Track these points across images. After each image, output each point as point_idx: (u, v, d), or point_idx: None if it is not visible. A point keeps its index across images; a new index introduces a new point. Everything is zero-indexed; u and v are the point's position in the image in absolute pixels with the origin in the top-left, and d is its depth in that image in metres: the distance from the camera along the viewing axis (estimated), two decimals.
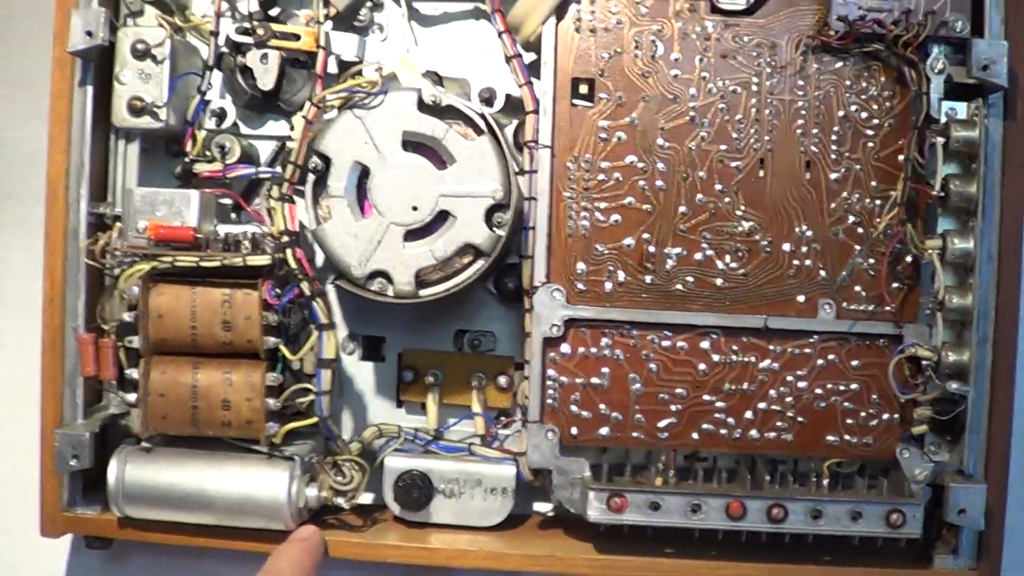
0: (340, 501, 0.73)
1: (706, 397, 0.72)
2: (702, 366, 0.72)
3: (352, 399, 0.78)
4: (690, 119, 0.72)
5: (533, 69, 0.73)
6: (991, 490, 0.70)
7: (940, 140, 0.69)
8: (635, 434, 0.72)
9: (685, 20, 0.72)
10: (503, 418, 0.77)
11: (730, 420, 0.72)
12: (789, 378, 0.72)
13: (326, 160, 0.71)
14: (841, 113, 0.72)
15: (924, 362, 0.70)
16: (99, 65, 0.74)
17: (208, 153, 0.75)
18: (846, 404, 0.72)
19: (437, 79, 0.75)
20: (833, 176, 0.72)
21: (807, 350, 0.72)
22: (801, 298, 0.72)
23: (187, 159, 0.74)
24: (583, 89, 0.72)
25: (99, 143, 0.75)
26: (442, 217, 0.71)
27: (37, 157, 0.85)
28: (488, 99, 0.74)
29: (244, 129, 0.77)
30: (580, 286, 0.72)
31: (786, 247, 0.72)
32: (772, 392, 0.72)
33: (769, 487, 0.71)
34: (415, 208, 0.70)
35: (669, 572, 0.71)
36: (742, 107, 0.72)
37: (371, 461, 0.74)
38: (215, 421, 0.72)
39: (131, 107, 0.72)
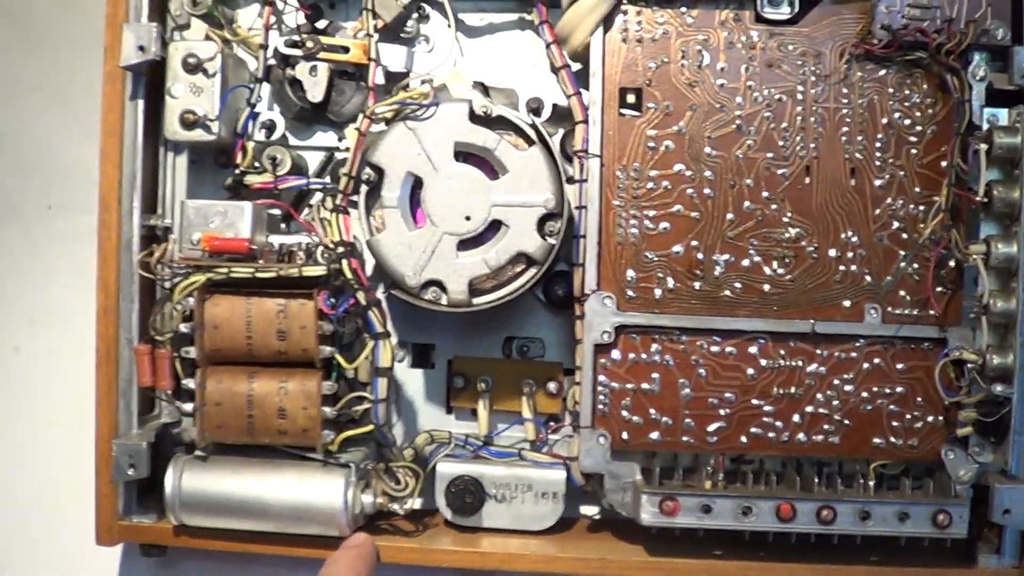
0: (395, 507, 0.74)
1: (754, 401, 0.73)
2: (750, 371, 0.73)
3: (402, 406, 0.79)
4: (737, 127, 0.73)
5: (579, 79, 0.74)
6: None
7: (983, 147, 0.71)
8: (685, 438, 0.73)
9: (730, 30, 0.73)
10: (552, 423, 0.78)
11: (778, 424, 0.73)
12: (836, 382, 0.73)
13: (379, 171, 0.71)
14: (885, 120, 0.73)
15: (969, 365, 0.72)
16: (148, 78, 0.75)
17: (257, 164, 0.76)
18: (892, 407, 0.73)
19: (484, 90, 0.76)
20: (877, 182, 0.73)
21: (853, 354, 0.73)
22: (847, 303, 0.73)
23: (238, 171, 0.75)
24: (631, 99, 0.73)
25: (148, 155, 0.76)
26: (494, 226, 0.72)
27: (78, 168, 0.87)
28: (536, 109, 0.75)
29: (293, 140, 0.78)
30: (630, 293, 0.73)
31: (832, 253, 0.73)
32: (819, 396, 0.73)
33: (818, 489, 0.72)
34: (468, 218, 0.71)
35: (721, 574, 0.72)
36: (788, 115, 0.73)
37: (423, 467, 0.75)
38: (271, 429, 0.73)
39: (183, 120, 0.73)
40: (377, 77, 0.75)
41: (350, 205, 0.72)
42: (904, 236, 0.73)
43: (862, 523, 0.71)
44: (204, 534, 0.75)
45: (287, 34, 0.76)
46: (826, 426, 0.73)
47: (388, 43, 0.75)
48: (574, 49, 0.73)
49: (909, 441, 0.73)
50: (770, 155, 0.73)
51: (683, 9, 0.73)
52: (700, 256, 0.73)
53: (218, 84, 0.73)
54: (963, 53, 0.71)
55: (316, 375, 0.72)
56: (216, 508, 0.73)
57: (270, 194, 0.75)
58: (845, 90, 0.73)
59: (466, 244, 0.72)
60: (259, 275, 0.71)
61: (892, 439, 0.73)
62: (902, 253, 0.73)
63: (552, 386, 0.77)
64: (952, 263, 0.72)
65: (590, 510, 0.80)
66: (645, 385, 0.73)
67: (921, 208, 0.73)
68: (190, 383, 0.73)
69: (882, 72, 0.73)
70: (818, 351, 0.73)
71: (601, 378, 0.73)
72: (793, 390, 0.73)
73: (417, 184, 0.72)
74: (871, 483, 0.73)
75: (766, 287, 0.73)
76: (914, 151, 0.73)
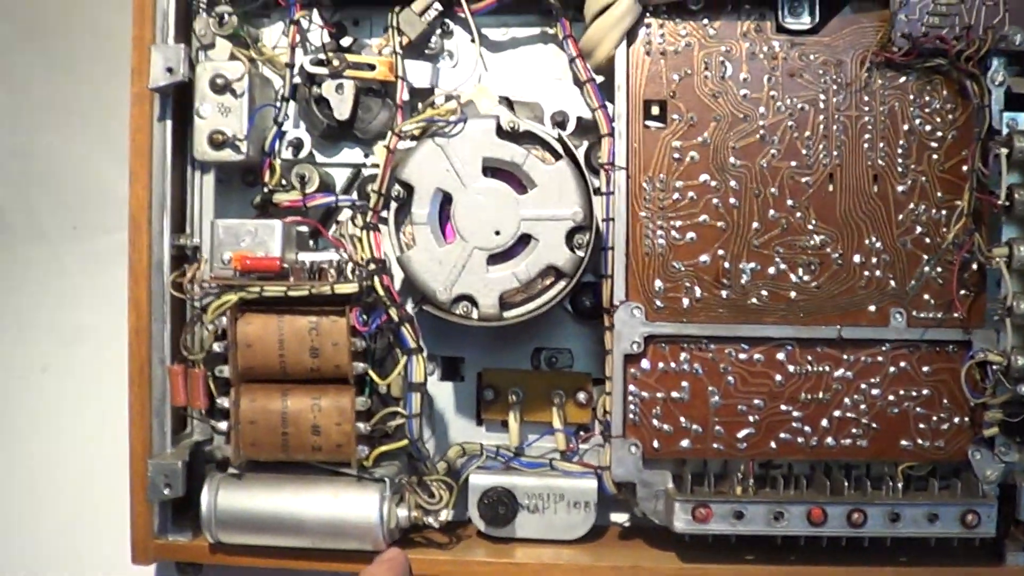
0: (429, 520, 0.74)
1: (783, 407, 0.74)
2: (778, 377, 0.74)
3: (433, 419, 0.79)
4: (760, 137, 0.73)
5: (603, 91, 0.74)
6: None
7: (1003, 151, 0.71)
8: (715, 445, 0.74)
9: (752, 41, 0.74)
10: (582, 433, 0.78)
11: (807, 428, 0.74)
12: (863, 386, 0.74)
13: (408, 188, 0.72)
14: (906, 127, 0.74)
15: (994, 367, 0.72)
16: (175, 99, 0.75)
17: (285, 182, 0.77)
18: (918, 409, 0.74)
19: (508, 104, 0.77)
20: (900, 188, 0.74)
21: (879, 358, 0.74)
22: (872, 308, 0.74)
23: (266, 189, 0.76)
24: (655, 111, 0.74)
25: (176, 175, 0.77)
26: (524, 240, 0.72)
27: (103, 188, 0.87)
28: (561, 122, 0.76)
29: (319, 157, 0.79)
30: (658, 303, 0.74)
31: (857, 259, 0.74)
32: (846, 400, 0.74)
33: (848, 493, 0.73)
34: (498, 232, 0.72)
35: None
36: (810, 124, 0.73)
37: (455, 479, 0.76)
38: (305, 446, 0.73)
39: (212, 140, 0.74)
40: (400, 91, 0.75)
41: (380, 222, 0.73)
42: (927, 240, 0.74)
43: (892, 525, 0.72)
44: (240, 551, 0.76)
45: (312, 52, 0.76)
46: (854, 430, 0.74)
47: (412, 59, 0.76)
48: (599, 62, 0.74)
49: (936, 443, 0.74)
50: (794, 163, 0.73)
51: (705, 21, 0.73)
52: (727, 265, 0.74)
53: (246, 104, 0.74)
54: (982, 59, 0.72)
55: (349, 391, 0.73)
56: (252, 525, 0.74)
57: (298, 212, 0.76)
58: (866, 98, 0.73)
59: (496, 258, 0.73)
60: (291, 293, 0.72)
61: (919, 441, 0.74)
62: (925, 257, 0.73)
63: (582, 396, 0.78)
64: (975, 266, 0.73)
65: (620, 517, 0.80)
66: (675, 394, 0.74)
67: (943, 212, 0.73)
68: (224, 402, 0.73)
69: (902, 79, 0.74)
70: (845, 356, 0.74)
71: (631, 388, 0.74)
72: (821, 395, 0.74)
73: (446, 200, 0.72)
74: (899, 485, 0.74)
75: (792, 294, 0.74)
76: (935, 156, 0.74)
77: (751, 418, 0.74)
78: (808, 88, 0.73)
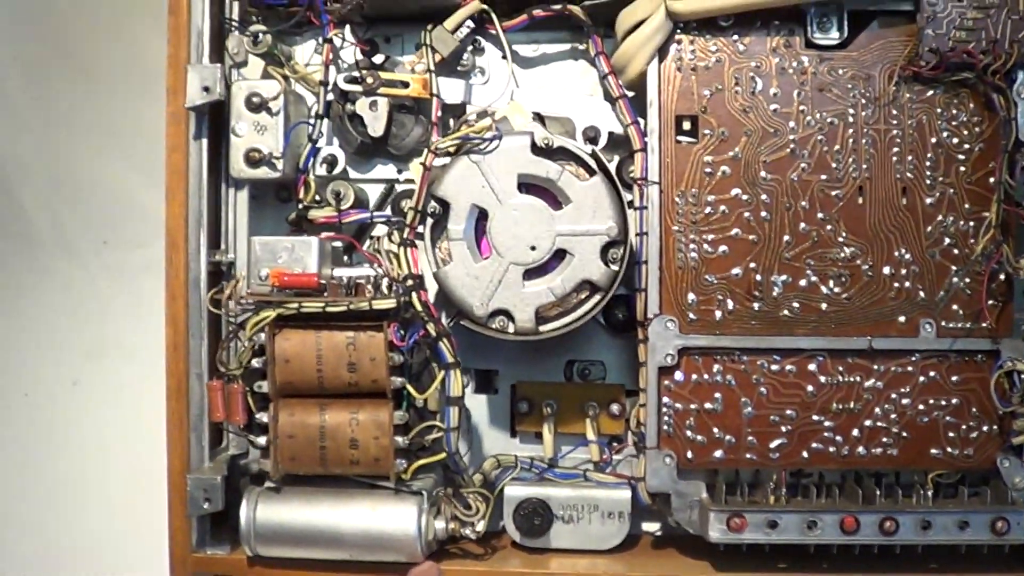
0: (466, 531, 0.75)
1: (815, 417, 0.75)
2: (810, 388, 0.75)
3: (468, 431, 0.80)
4: (791, 151, 0.74)
5: (633, 106, 0.75)
6: None
7: None
8: (748, 455, 0.75)
9: (782, 56, 0.74)
10: (615, 444, 0.79)
11: (838, 438, 0.75)
12: (893, 396, 0.75)
13: (444, 204, 0.73)
14: (933, 140, 0.75)
15: (1022, 376, 0.74)
16: (210, 117, 0.76)
17: (319, 199, 0.77)
18: (947, 418, 0.75)
19: (540, 120, 0.77)
20: (928, 200, 0.75)
21: (909, 368, 0.75)
22: (902, 319, 0.75)
23: (301, 205, 0.77)
24: (686, 126, 0.75)
25: (210, 192, 0.77)
26: (559, 255, 0.73)
27: (132, 204, 0.88)
28: (593, 138, 0.77)
29: (352, 174, 0.80)
30: (691, 316, 0.75)
31: (886, 270, 0.75)
32: (877, 410, 0.75)
33: (879, 501, 0.74)
34: (533, 248, 0.73)
35: None
36: (840, 138, 0.74)
37: (490, 491, 0.77)
38: (343, 460, 0.74)
39: (249, 158, 0.74)
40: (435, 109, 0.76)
41: (416, 237, 0.74)
42: (955, 252, 0.75)
43: (923, 533, 0.73)
44: (278, 564, 0.76)
45: (345, 70, 0.77)
46: (884, 439, 0.75)
47: (444, 76, 0.77)
48: (630, 79, 0.75)
49: (965, 451, 0.75)
50: (824, 177, 0.74)
51: (735, 37, 0.74)
52: (758, 278, 0.75)
53: (281, 122, 0.75)
54: (1008, 72, 0.73)
55: (387, 405, 0.74)
56: (291, 538, 0.75)
57: (333, 228, 0.77)
58: (894, 111, 0.74)
59: (531, 273, 0.73)
60: (329, 309, 0.72)
61: (949, 449, 0.75)
62: (954, 268, 0.74)
63: (615, 408, 0.79)
64: (1003, 277, 0.74)
65: (651, 526, 0.81)
66: (708, 405, 0.75)
67: (971, 224, 0.74)
68: (262, 417, 0.74)
69: (930, 93, 0.75)
70: (875, 366, 0.75)
71: (665, 400, 0.75)
72: (852, 405, 0.75)
73: (482, 216, 0.73)
74: (929, 493, 0.75)
75: (823, 306, 0.75)
76: (963, 169, 0.75)
77: (783, 428, 0.75)
78: (837, 102, 0.74)
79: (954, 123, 0.75)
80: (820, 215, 0.74)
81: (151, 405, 0.79)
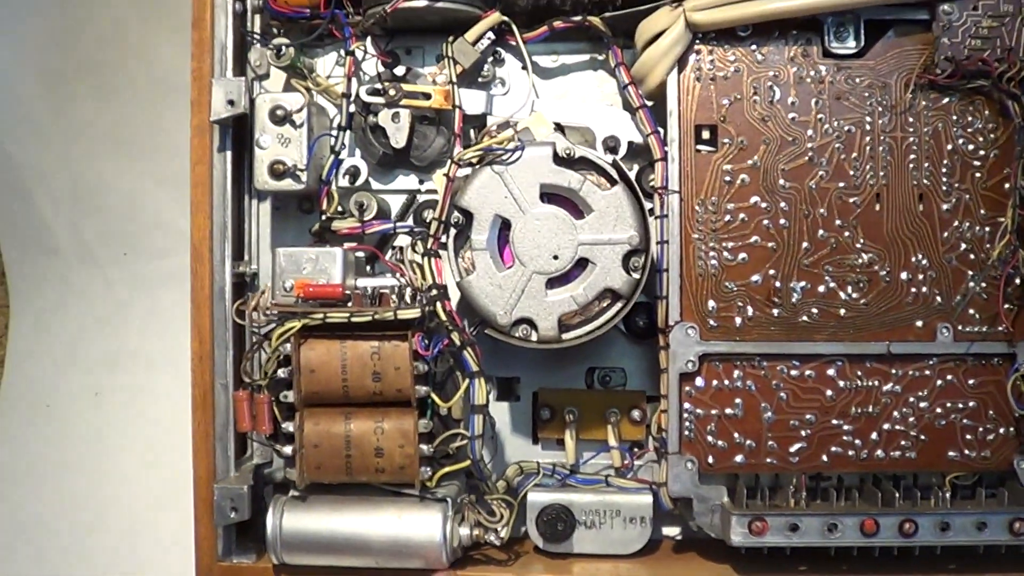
0: (491, 538, 0.76)
1: (834, 421, 0.76)
2: (829, 392, 0.76)
3: (492, 438, 0.81)
4: (809, 159, 0.75)
5: (652, 115, 0.76)
6: None
7: None
8: (768, 460, 0.76)
9: (799, 65, 0.75)
10: (637, 449, 0.80)
11: (857, 442, 0.76)
12: (911, 399, 0.76)
13: (468, 215, 0.74)
14: (949, 146, 0.75)
15: None
16: (234, 130, 0.77)
17: (341, 209, 0.78)
18: (965, 421, 0.76)
19: (560, 130, 0.78)
20: (945, 206, 0.76)
21: (927, 372, 0.76)
22: (919, 323, 0.76)
23: (324, 216, 0.77)
24: (706, 135, 0.76)
25: (233, 203, 0.78)
26: (581, 264, 0.74)
27: (152, 215, 0.89)
28: (613, 147, 0.78)
29: (374, 184, 0.80)
30: (712, 322, 0.76)
31: (904, 276, 0.76)
32: (895, 413, 0.76)
33: (898, 503, 0.75)
34: (556, 257, 0.74)
35: None
36: (857, 145, 0.75)
37: (513, 497, 0.78)
38: (368, 468, 0.75)
39: (273, 171, 0.75)
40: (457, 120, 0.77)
41: (440, 248, 0.74)
42: (972, 257, 0.75)
43: (942, 534, 0.74)
44: (304, 572, 0.77)
45: (367, 82, 0.78)
46: (903, 442, 0.76)
47: (465, 87, 0.78)
48: (650, 89, 0.75)
49: (982, 453, 0.76)
50: (842, 184, 0.75)
51: (753, 47, 0.75)
52: (778, 284, 0.75)
53: (305, 134, 0.75)
54: (1022, 80, 0.74)
55: (411, 414, 0.74)
56: (317, 546, 0.76)
57: (356, 238, 0.77)
58: (911, 119, 0.75)
59: (554, 282, 0.74)
60: (355, 319, 0.73)
61: (966, 451, 0.76)
62: (970, 273, 0.75)
63: (636, 414, 0.80)
64: (1019, 281, 0.75)
65: (672, 531, 0.82)
66: (729, 410, 0.76)
67: (987, 229, 0.75)
68: (288, 426, 0.75)
69: (945, 100, 0.75)
70: (893, 371, 0.76)
71: (686, 405, 0.76)
72: (870, 409, 0.76)
73: (504, 225, 0.74)
74: (947, 495, 0.76)
75: (842, 311, 0.76)
76: (978, 175, 0.76)
77: (803, 432, 0.76)
78: (854, 111, 0.75)
79: (970, 130, 0.75)
80: (838, 222, 0.75)
81: (172, 415, 0.79)
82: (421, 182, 0.80)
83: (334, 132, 0.77)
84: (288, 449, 0.75)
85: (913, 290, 0.76)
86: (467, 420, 0.74)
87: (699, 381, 0.76)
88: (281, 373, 0.74)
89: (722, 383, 0.76)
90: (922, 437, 0.76)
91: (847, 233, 0.76)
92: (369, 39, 0.78)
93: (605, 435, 0.80)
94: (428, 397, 0.74)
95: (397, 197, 0.81)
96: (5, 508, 0.89)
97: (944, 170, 0.76)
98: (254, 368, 0.77)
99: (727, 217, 0.75)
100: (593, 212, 0.74)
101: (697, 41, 0.75)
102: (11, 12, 0.85)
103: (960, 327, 0.76)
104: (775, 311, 0.76)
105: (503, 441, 0.82)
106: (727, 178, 0.75)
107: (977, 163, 0.76)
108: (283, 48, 0.76)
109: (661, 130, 0.76)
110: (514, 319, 0.74)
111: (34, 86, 0.87)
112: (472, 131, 0.79)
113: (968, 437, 0.76)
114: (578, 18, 0.76)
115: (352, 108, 0.78)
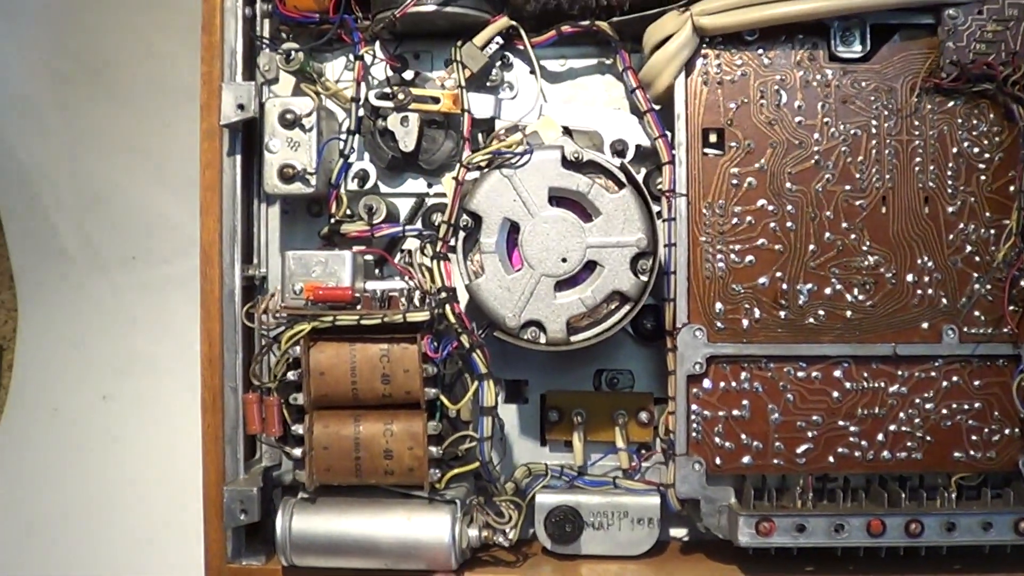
0: (499, 539, 0.76)
1: (840, 422, 0.76)
2: (835, 394, 0.76)
3: (500, 440, 0.82)
4: (815, 162, 0.76)
5: (660, 119, 0.77)
6: None
7: None
8: (775, 461, 0.76)
9: (806, 69, 0.76)
10: (644, 451, 0.81)
11: (863, 443, 0.76)
12: (916, 400, 0.76)
13: (476, 218, 0.74)
14: (954, 149, 0.76)
15: None
16: (243, 134, 0.77)
17: (350, 213, 0.78)
18: (970, 422, 0.76)
19: (567, 133, 0.79)
20: (950, 209, 0.76)
21: (932, 373, 0.76)
22: (925, 325, 0.76)
23: (333, 220, 0.78)
24: (713, 138, 0.76)
25: (242, 207, 0.78)
26: (589, 267, 0.74)
27: (161, 220, 0.89)
28: (621, 151, 0.78)
29: (383, 188, 0.81)
30: (719, 324, 0.76)
31: (909, 278, 0.76)
32: (901, 414, 0.76)
33: (905, 504, 0.76)
34: (564, 260, 0.74)
35: None
36: (863, 149, 0.76)
37: (521, 499, 0.78)
38: (378, 470, 0.75)
39: (282, 175, 0.76)
40: (466, 124, 0.77)
41: (449, 251, 0.75)
42: (977, 259, 0.76)
43: (948, 534, 0.74)
44: (313, 574, 0.77)
45: (376, 86, 0.78)
46: (909, 443, 0.77)
47: (474, 91, 0.78)
48: (658, 93, 0.76)
49: (988, 453, 0.77)
50: (848, 187, 0.76)
51: (760, 51, 0.76)
52: (784, 287, 0.76)
53: (315, 138, 0.76)
54: None
55: (420, 416, 0.75)
56: (327, 548, 0.76)
57: (365, 242, 0.78)
58: (916, 122, 0.76)
59: (562, 285, 0.75)
60: (364, 322, 0.73)
61: (971, 452, 0.77)
62: (976, 275, 0.76)
63: (643, 416, 0.80)
64: (1022, 282, 0.76)
65: (680, 532, 0.83)
66: (736, 412, 0.76)
67: (992, 231, 0.76)
68: (298, 429, 0.75)
69: (950, 104, 0.76)
70: (899, 372, 0.76)
71: (694, 407, 0.76)
72: (876, 410, 0.76)
73: (513, 228, 0.74)
74: (953, 495, 0.77)
75: (848, 313, 0.76)
76: (983, 178, 0.76)
77: (810, 434, 0.76)
78: (860, 114, 0.76)
79: (975, 133, 0.76)
80: (844, 224, 0.76)
81: (181, 419, 0.80)
82: (430, 185, 0.81)
83: (343, 136, 0.78)
84: (297, 451, 0.75)
85: (919, 292, 0.76)
86: (476, 422, 0.75)
87: (706, 383, 0.76)
88: (291, 376, 0.75)
89: (729, 385, 0.76)
90: (928, 438, 0.77)
91: (853, 235, 0.76)
92: (378, 43, 0.78)
93: (613, 437, 0.80)
94: (437, 399, 0.74)
95: (406, 200, 0.81)
96: (14, 512, 0.89)
97: (949, 173, 0.76)
98: (263, 371, 0.77)
99: (734, 220, 0.76)
100: (601, 215, 0.74)
101: (704, 45, 0.75)
102: (21, 16, 0.85)
103: (965, 329, 0.76)
104: (782, 313, 0.76)
105: (511, 443, 0.82)
106: (734, 181, 0.76)
107: (982, 166, 0.76)
108: (292, 52, 0.76)
109: (669, 133, 0.76)
110: (523, 321, 0.74)
111: (43, 90, 0.87)
112: (480, 135, 0.79)
113: (973, 438, 0.77)
114: (586, 23, 0.76)
115: (361, 112, 0.78)
